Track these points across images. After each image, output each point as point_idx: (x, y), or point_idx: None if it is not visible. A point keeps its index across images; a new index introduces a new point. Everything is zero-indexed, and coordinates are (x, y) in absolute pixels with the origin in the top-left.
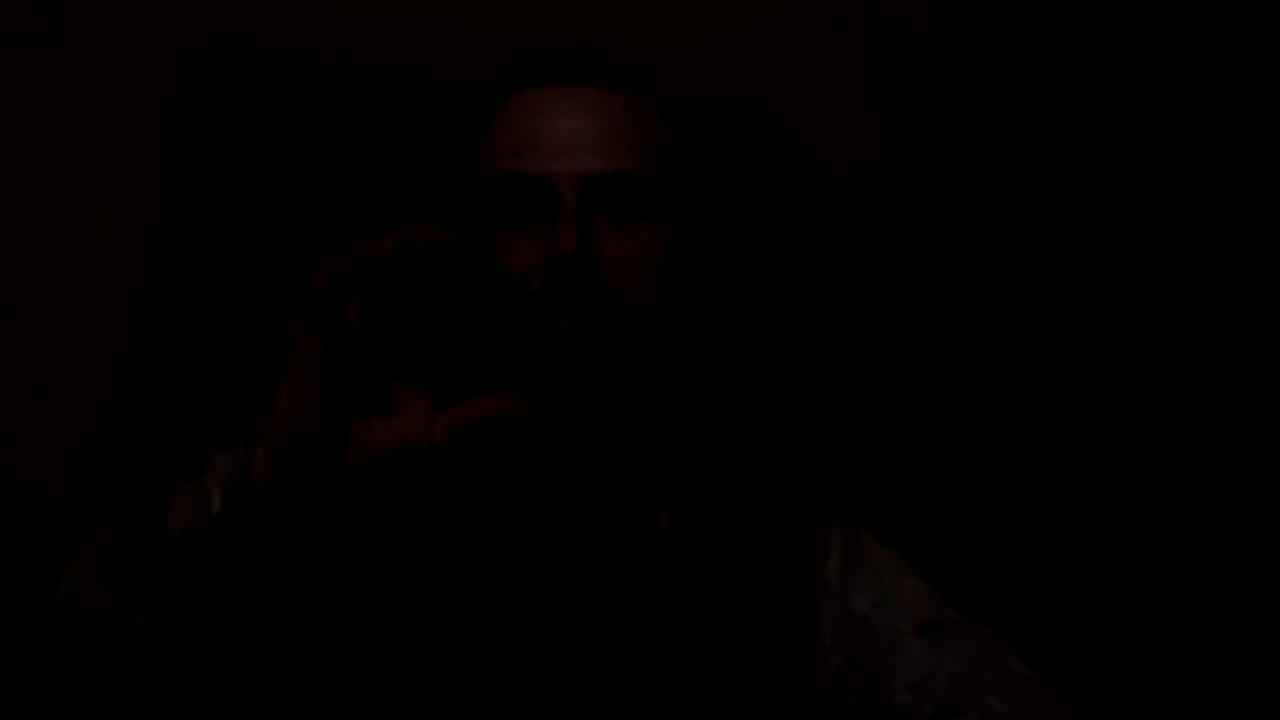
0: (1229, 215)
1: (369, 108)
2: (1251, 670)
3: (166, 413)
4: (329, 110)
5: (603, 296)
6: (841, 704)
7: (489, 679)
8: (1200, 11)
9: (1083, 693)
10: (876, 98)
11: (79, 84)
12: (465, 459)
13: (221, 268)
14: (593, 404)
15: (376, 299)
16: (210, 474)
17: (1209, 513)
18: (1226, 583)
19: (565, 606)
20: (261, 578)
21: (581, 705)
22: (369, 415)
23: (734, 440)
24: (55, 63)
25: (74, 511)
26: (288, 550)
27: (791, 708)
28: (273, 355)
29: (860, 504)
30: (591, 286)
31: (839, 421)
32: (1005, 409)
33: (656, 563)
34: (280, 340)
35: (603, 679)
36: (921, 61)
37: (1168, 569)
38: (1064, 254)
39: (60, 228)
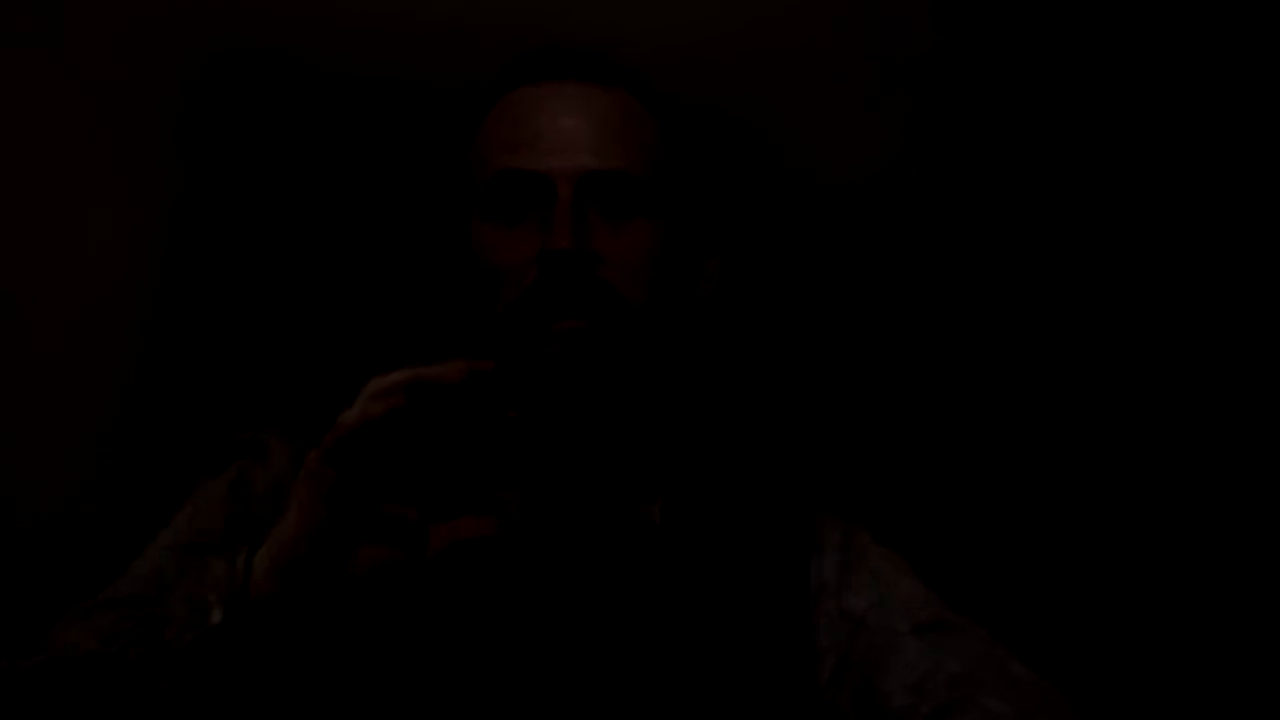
0: (1229, 215)
1: (369, 108)
2: (1251, 670)
3: (166, 413)
4: (329, 110)
5: (601, 293)
6: (837, 702)
7: (483, 674)
8: (1200, 11)
9: (1082, 693)
10: (876, 98)
11: (79, 84)
12: (449, 568)
13: (221, 268)
14: (585, 405)
15: (389, 438)
16: (187, 521)
17: (1209, 513)
18: (1226, 583)
19: (558, 601)
20: (266, 684)
21: (575, 702)
22: (368, 535)
23: (728, 436)
24: (55, 63)
25: (74, 511)
26: (290, 655)
27: (787, 705)
28: (272, 358)
29: (858, 504)
30: (589, 282)
31: (837, 421)
32: (1004, 409)
33: (649, 557)
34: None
35: (596, 675)
36: (921, 61)
37: (1168, 569)
38: (1064, 254)
39: (60, 228)
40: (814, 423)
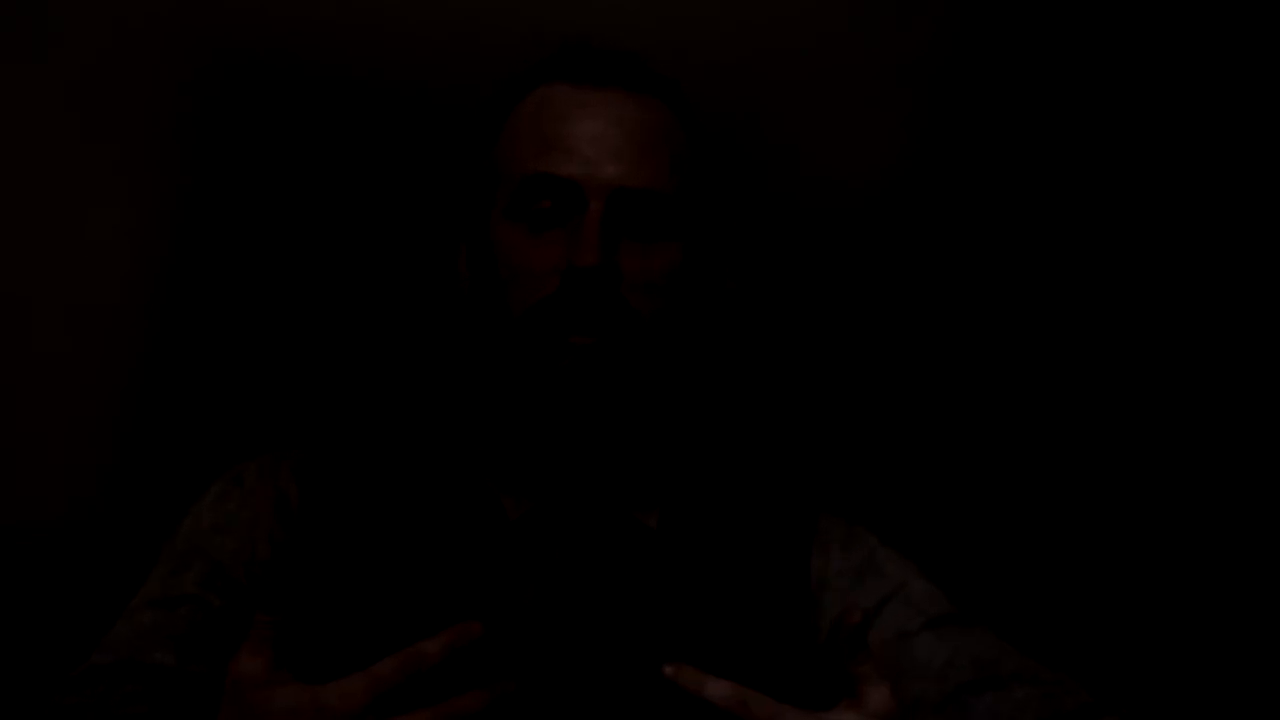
0: (1229, 214)
1: (369, 108)
2: (1252, 670)
3: (166, 413)
4: (329, 110)
5: (619, 311)
6: None
7: (480, 679)
8: (1200, 11)
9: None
10: (877, 98)
11: (80, 83)
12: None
13: (221, 267)
14: (593, 420)
15: None
16: (159, 578)
17: (1209, 513)
18: (1227, 583)
19: (556, 608)
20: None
21: (574, 706)
22: None
23: (727, 443)
24: (56, 62)
25: (74, 511)
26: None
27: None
28: (272, 359)
29: (860, 505)
30: (609, 301)
31: (839, 423)
32: (1006, 409)
33: (647, 564)
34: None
35: (593, 680)
36: (921, 61)
37: (1168, 569)
38: (1065, 253)
39: (60, 228)
40: (816, 426)
